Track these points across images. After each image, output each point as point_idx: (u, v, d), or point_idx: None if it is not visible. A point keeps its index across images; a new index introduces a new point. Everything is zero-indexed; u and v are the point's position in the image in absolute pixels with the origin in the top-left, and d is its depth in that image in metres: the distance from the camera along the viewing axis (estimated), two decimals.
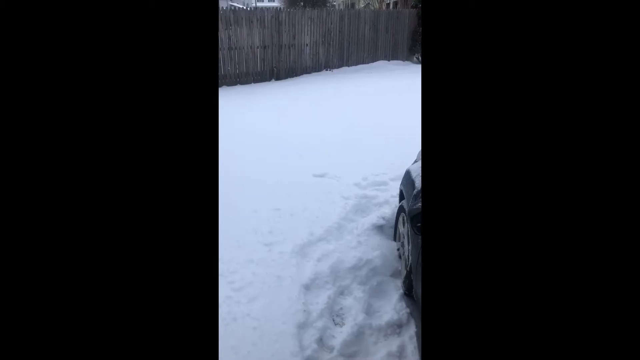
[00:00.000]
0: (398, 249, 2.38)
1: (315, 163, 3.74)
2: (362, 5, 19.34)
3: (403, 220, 2.21)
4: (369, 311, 1.98)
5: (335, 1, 26.51)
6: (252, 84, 8.86)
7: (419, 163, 2.21)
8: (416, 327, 1.88)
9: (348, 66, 10.31)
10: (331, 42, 9.92)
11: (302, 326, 1.83)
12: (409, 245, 1.97)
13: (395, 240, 2.50)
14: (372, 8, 15.13)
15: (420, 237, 1.60)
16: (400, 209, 2.29)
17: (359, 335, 1.82)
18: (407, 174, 2.23)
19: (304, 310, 1.92)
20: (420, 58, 11.46)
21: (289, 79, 9.37)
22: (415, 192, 1.94)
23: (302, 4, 21.60)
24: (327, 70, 10.03)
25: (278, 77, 9.32)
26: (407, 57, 11.36)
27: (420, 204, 1.36)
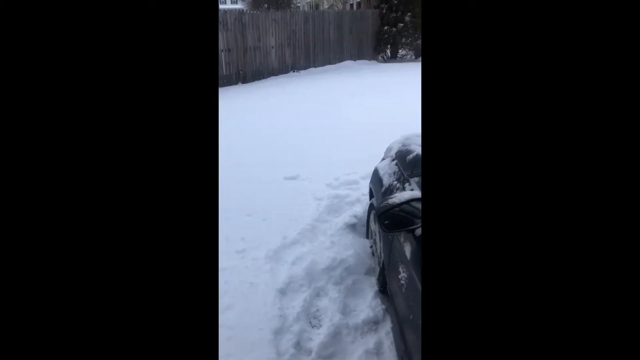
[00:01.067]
0: (371, 247, 2.40)
1: (286, 166, 3.72)
2: (327, 7, 19.44)
3: (374, 217, 2.23)
4: (345, 311, 1.99)
5: (299, 3, 26.53)
6: (219, 87, 8.76)
7: (386, 161, 2.24)
8: (392, 322, 1.90)
9: (315, 67, 10.34)
10: (297, 44, 9.92)
11: (278, 332, 1.82)
12: (380, 242, 1.99)
13: (367, 237, 2.52)
14: (336, 9, 15.24)
15: (389, 234, 1.62)
16: (371, 207, 2.31)
17: (336, 335, 1.82)
18: (376, 172, 2.26)
19: (280, 315, 1.91)
20: (384, 57, 11.67)
21: (255, 81, 9.31)
22: (383, 189, 1.96)
23: (265, 5, 21.44)
24: (294, 71, 10.03)
25: (245, 80, 9.24)
26: (373, 57, 11.51)
27: (387, 202, 1.37)
